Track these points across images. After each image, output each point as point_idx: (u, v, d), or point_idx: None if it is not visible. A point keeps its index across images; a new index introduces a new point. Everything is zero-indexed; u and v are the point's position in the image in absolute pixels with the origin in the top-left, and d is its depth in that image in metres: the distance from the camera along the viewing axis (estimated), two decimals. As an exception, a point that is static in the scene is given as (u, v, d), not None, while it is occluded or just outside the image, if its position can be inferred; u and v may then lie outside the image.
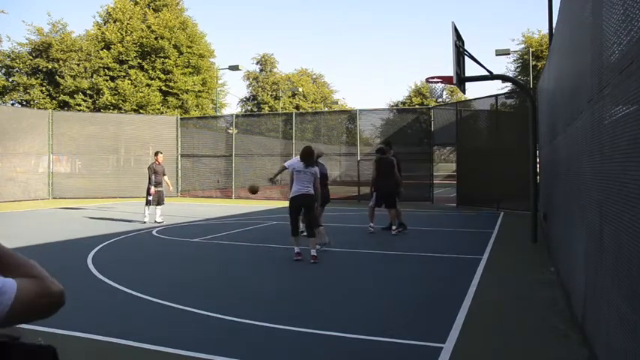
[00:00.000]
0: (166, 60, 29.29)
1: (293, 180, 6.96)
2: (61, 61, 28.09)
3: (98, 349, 3.60)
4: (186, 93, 30.31)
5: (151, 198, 11.15)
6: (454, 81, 8.23)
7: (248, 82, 49.04)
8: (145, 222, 11.17)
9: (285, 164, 7.50)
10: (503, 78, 10.83)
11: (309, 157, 6.89)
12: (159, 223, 11.20)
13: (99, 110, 27.18)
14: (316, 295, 5.24)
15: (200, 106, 31.72)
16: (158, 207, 11.31)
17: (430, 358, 3.39)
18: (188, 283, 5.67)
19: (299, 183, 6.82)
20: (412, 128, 18.63)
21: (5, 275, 0.94)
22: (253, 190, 7.84)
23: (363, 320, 4.23)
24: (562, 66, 5.52)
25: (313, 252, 6.75)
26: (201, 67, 31.31)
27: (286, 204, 7.02)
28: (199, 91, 31.29)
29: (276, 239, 8.98)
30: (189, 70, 30.41)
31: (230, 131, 21.29)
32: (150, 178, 11.23)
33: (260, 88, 47.54)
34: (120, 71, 28.79)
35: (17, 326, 0.99)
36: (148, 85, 28.81)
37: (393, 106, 44.69)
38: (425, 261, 7.09)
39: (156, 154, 11.60)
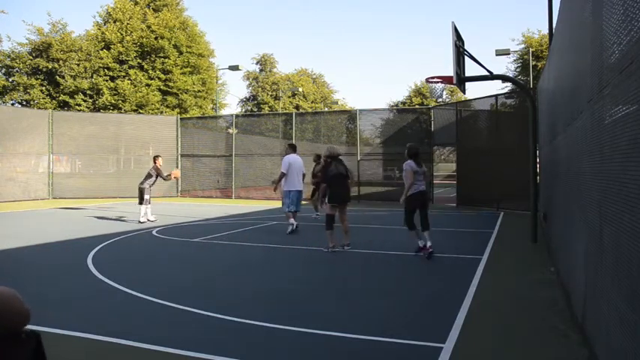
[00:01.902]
0: (166, 60, 29.29)
1: (410, 180, 7.24)
2: (61, 61, 28.08)
3: (98, 349, 3.60)
4: (186, 93, 30.31)
5: (147, 197, 11.41)
6: (454, 81, 8.22)
7: (248, 82, 49.09)
8: (144, 221, 11.30)
9: (406, 165, 7.41)
10: (503, 78, 10.83)
11: (419, 156, 7.41)
12: (152, 221, 11.55)
13: (99, 110, 27.17)
14: (316, 295, 5.23)
15: (199, 106, 31.70)
16: (149, 206, 11.61)
17: (430, 358, 3.39)
18: (188, 283, 5.67)
19: (417, 181, 7.29)
20: (412, 128, 18.63)
21: None
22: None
23: (363, 320, 4.23)
24: (562, 66, 5.52)
25: (429, 243, 7.16)
26: (201, 67, 31.29)
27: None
28: (198, 91, 31.27)
29: (276, 239, 8.98)
30: (189, 69, 30.41)
31: (230, 131, 21.30)
32: (153, 180, 11.52)
33: (260, 88, 47.56)
34: (120, 71, 28.79)
35: None
36: (148, 85, 28.81)
37: (393, 106, 44.72)
38: (425, 261, 7.08)
39: (157, 157, 11.86)
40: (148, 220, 11.49)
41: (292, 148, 10.26)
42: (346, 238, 7.87)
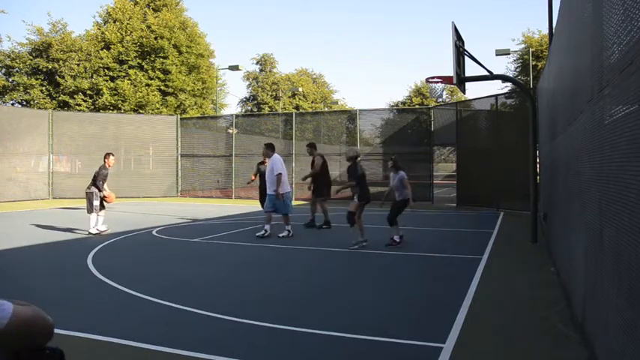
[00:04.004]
0: (166, 60, 29.28)
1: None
2: (61, 61, 28.06)
3: (98, 348, 3.60)
4: (185, 93, 30.29)
5: (97, 203, 9.64)
6: (454, 81, 8.22)
7: (248, 82, 49.08)
8: (95, 232, 9.66)
9: (404, 174, 8.30)
10: (503, 78, 10.84)
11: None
12: (104, 230, 9.86)
13: (99, 110, 27.16)
14: (316, 295, 5.23)
15: (199, 105, 31.67)
16: (102, 212, 9.89)
17: (430, 358, 3.39)
18: (188, 283, 5.67)
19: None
20: (412, 128, 18.64)
21: None
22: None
23: (363, 320, 4.23)
24: (562, 66, 5.52)
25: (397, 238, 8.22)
26: (201, 66, 31.27)
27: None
28: (197, 89, 31.23)
29: (275, 239, 8.98)
30: (184, 67, 30.33)
31: (230, 131, 21.30)
32: (100, 185, 9.68)
33: (260, 89, 47.54)
34: (120, 71, 28.77)
35: None
36: (148, 85, 28.80)
37: (393, 106, 44.66)
38: (425, 261, 7.09)
39: (107, 155, 10.03)
40: (98, 230, 9.69)
41: (272, 148, 9.77)
42: (361, 235, 8.05)
